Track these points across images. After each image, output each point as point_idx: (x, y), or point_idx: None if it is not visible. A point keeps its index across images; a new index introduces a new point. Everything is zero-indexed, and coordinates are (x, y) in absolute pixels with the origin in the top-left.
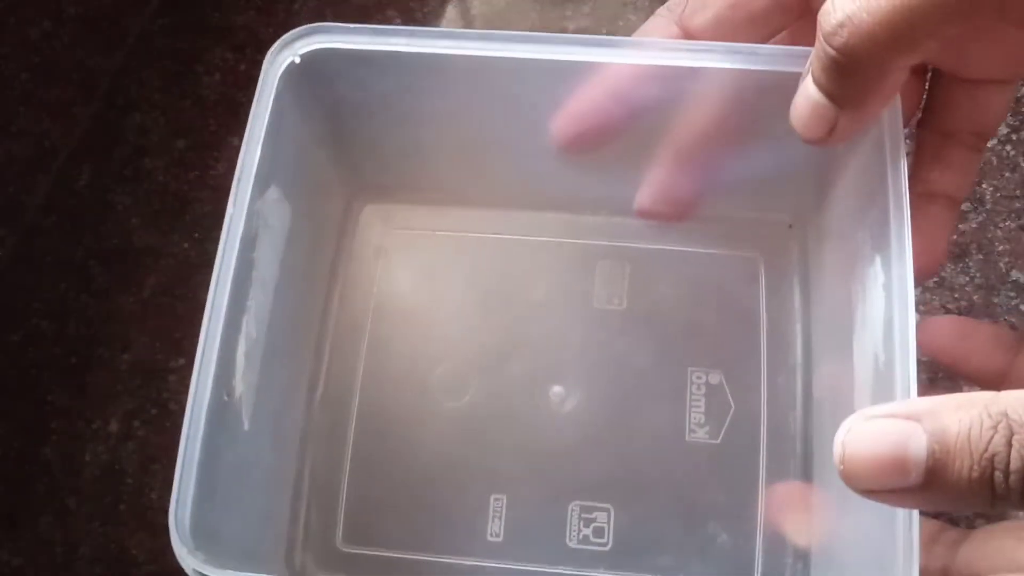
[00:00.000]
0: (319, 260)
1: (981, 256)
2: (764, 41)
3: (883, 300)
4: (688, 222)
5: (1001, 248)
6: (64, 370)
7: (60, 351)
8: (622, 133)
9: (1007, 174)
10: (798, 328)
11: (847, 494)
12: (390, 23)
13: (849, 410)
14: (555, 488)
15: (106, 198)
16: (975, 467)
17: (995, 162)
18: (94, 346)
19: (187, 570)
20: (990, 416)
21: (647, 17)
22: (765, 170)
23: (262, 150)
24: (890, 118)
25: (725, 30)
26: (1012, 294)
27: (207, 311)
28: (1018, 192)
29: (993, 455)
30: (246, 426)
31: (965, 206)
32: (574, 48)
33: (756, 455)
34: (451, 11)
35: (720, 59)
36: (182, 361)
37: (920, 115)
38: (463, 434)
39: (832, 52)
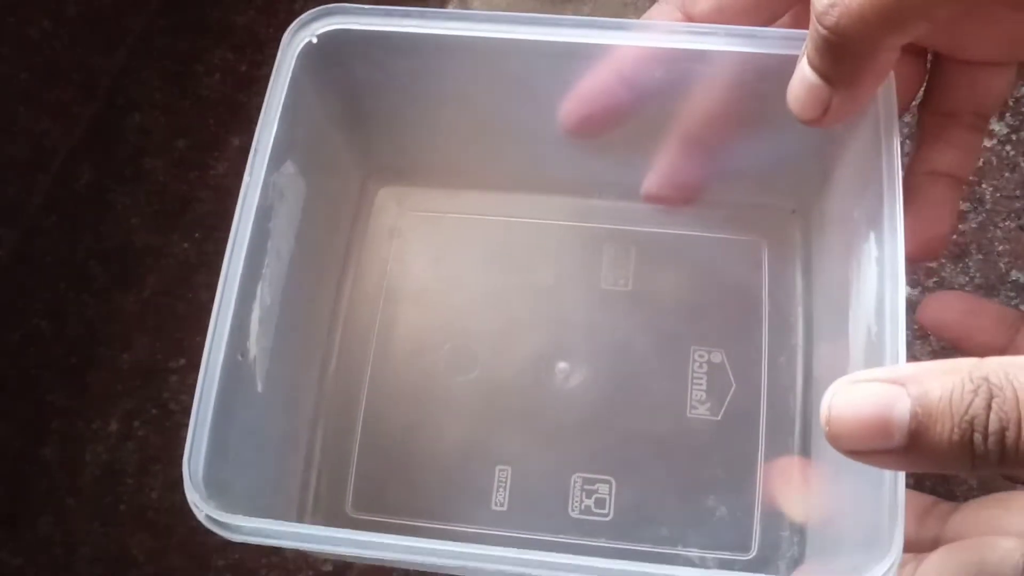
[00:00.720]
0: (334, 237)
1: (981, 256)
2: (765, 26)
3: (876, 274)
4: (693, 207)
5: (1001, 248)
6: (64, 370)
7: (60, 351)
8: (628, 116)
9: (1007, 174)
10: (799, 310)
11: (841, 468)
12: None
13: None
14: (559, 460)
15: (106, 198)
16: (955, 429)
17: (995, 162)
18: (94, 346)
19: (200, 517)
20: (971, 380)
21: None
22: (768, 156)
23: (279, 125)
24: (885, 101)
25: (727, 16)
26: (1012, 294)
27: (223, 272)
28: (1018, 192)
29: (973, 417)
30: (259, 388)
31: (965, 206)
32: (583, 31)
33: (755, 432)
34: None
35: (722, 42)
36: (182, 361)
37: (921, 97)
38: (470, 407)
39: (824, 32)
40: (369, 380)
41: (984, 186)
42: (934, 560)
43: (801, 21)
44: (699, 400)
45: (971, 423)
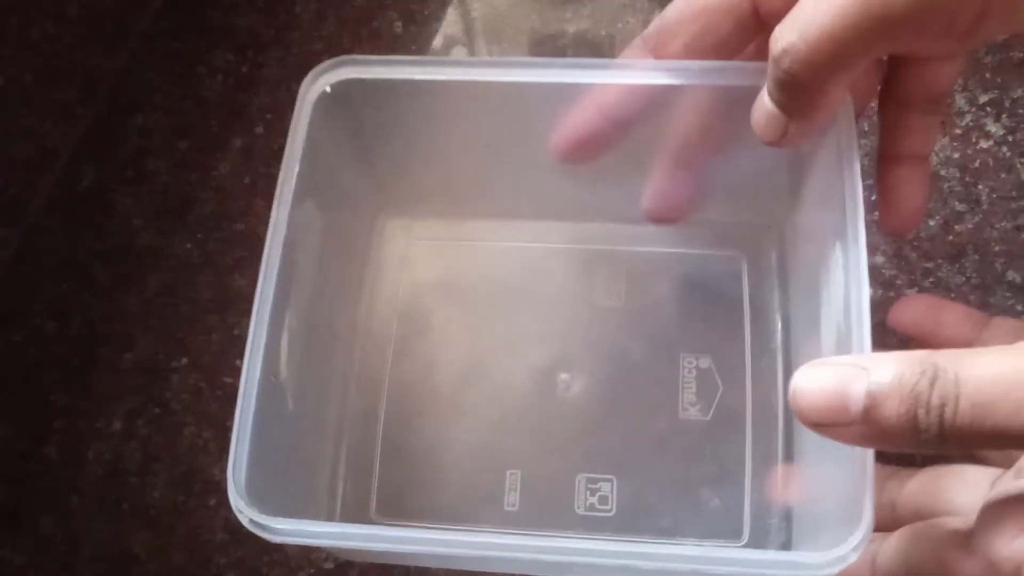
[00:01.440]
0: (350, 265)
1: (977, 257)
2: (731, 58)
3: (842, 279)
4: (677, 226)
5: (997, 249)
6: (67, 370)
7: (62, 351)
8: (611, 144)
9: (1003, 175)
10: (778, 316)
11: (821, 457)
12: (391, 25)
13: None
14: (564, 462)
15: (108, 198)
16: (902, 404)
17: (991, 163)
18: (96, 346)
19: (244, 521)
20: (921, 364)
21: (646, 19)
22: (743, 176)
23: (299, 167)
24: (844, 121)
25: (695, 56)
26: (1008, 294)
27: (255, 302)
28: (1014, 193)
29: (918, 394)
30: (290, 406)
31: (961, 207)
32: (568, 71)
33: (743, 429)
34: (451, 12)
35: (693, 77)
36: (184, 361)
37: (879, 90)
38: (481, 417)
39: (779, 73)
40: (387, 395)
41: (980, 187)
42: (892, 542)
43: (764, 51)
44: (690, 402)
45: (915, 399)
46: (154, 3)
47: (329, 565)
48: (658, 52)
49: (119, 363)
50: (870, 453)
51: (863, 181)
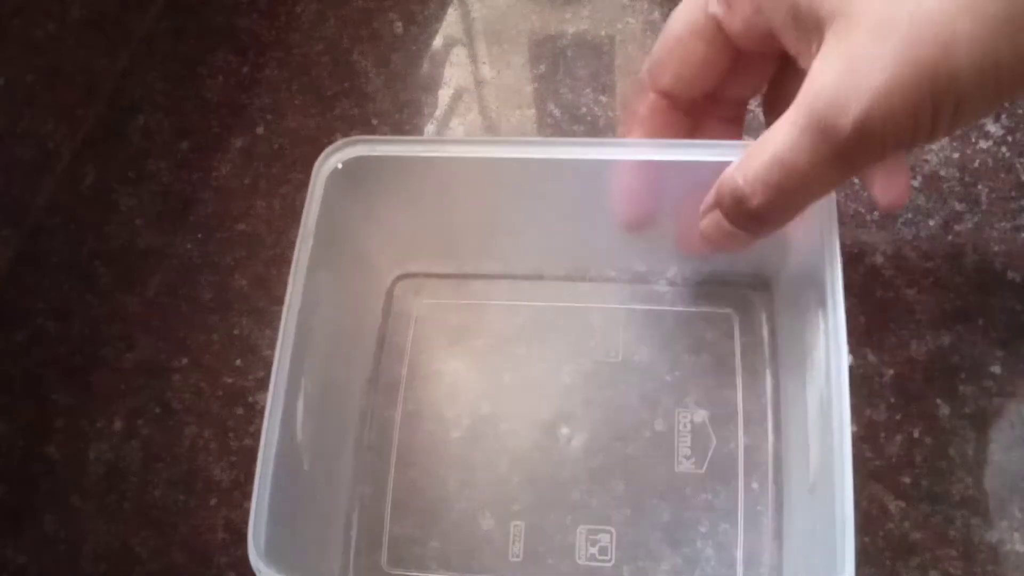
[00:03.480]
0: (363, 326)
1: (977, 256)
2: (721, 77)
3: (823, 344)
4: (672, 285)
5: (997, 249)
6: (68, 369)
7: (64, 350)
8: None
9: (1002, 175)
10: (767, 371)
11: (808, 503)
12: (391, 25)
13: (804, 432)
14: (565, 514)
15: (110, 199)
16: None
17: (991, 163)
18: (98, 345)
19: None
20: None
21: (646, 19)
22: None
23: (313, 241)
24: (827, 207)
25: (686, 83)
26: (1008, 295)
27: (273, 369)
28: (1013, 193)
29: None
30: (305, 467)
31: (960, 207)
32: (566, 148)
33: (735, 479)
34: (451, 13)
35: (675, 152)
36: (185, 360)
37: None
38: (486, 470)
39: (743, 212)
40: (397, 452)
41: (980, 187)
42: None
43: (744, 70)
44: (685, 455)
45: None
46: (155, 4)
47: None
48: (655, 87)
49: (120, 363)
50: (849, 511)
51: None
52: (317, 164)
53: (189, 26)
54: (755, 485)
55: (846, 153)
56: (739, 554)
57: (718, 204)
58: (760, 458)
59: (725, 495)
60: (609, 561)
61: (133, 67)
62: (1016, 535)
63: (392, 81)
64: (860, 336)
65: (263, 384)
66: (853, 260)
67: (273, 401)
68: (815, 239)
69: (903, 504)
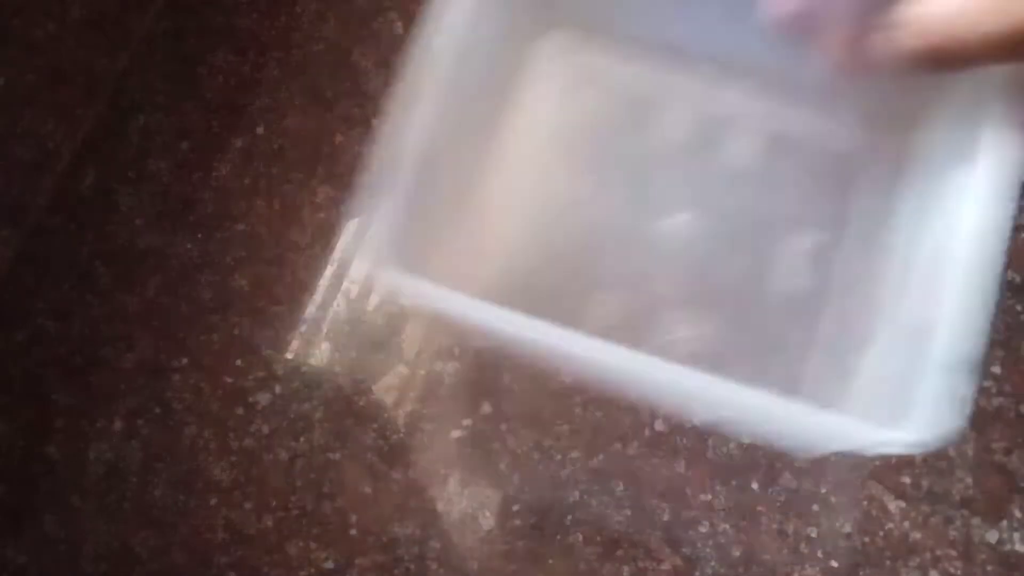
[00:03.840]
0: (503, 77)
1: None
2: None
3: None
4: (821, 103)
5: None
6: (68, 369)
7: (64, 350)
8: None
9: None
10: (888, 207)
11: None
12: (391, 25)
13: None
14: (653, 297)
15: (110, 199)
16: None
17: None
18: (98, 346)
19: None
20: None
21: None
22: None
23: None
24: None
25: None
26: (1008, 294)
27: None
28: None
29: None
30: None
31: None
32: None
33: (838, 301)
34: None
35: None
36: (185, 360)
37: None
38: (588, 236)
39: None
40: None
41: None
42: None
43: None
44: (791, 271)
45: None
46: (155, 4)
47: (329, 565)
48: None
49: (120, 363)
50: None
51: None
52: None
53: (189, 26)
54: (853, 309)
55: None
56: (816, 354)
57: (903, 25)
58: (864, 287)
59: (827, 314)
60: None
61: (133, 67)
62: (1016, 535)
63: (392, 81)
64: None
65: (263, 384)
66: None
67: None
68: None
69: (903, 504)
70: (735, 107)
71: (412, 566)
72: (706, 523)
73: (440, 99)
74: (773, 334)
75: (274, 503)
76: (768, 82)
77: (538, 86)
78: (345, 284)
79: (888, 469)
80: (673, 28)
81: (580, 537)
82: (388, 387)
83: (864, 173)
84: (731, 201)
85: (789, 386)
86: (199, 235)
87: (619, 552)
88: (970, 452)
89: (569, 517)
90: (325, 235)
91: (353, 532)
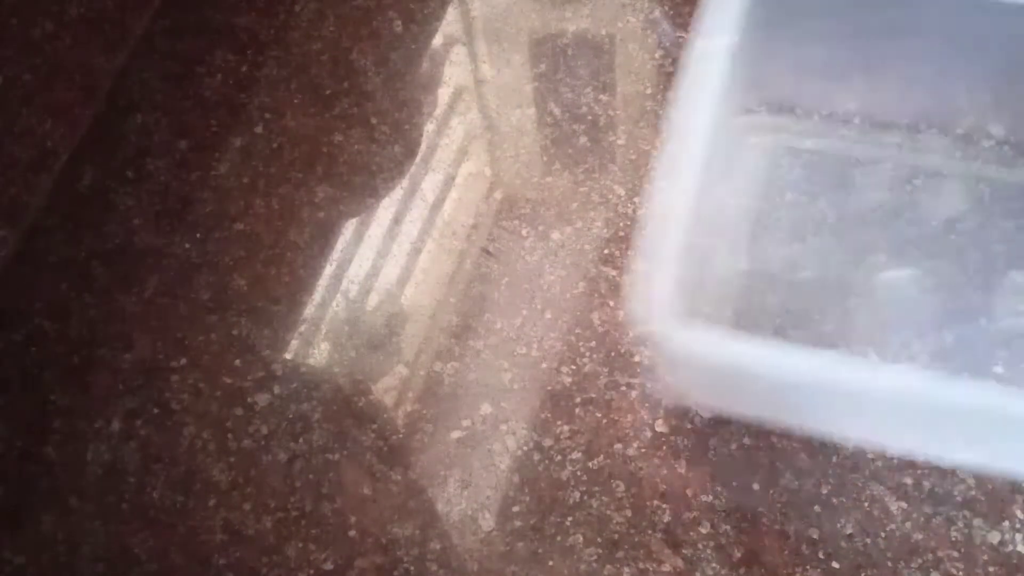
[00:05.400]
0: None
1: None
2: None
3: None
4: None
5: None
6: (66, 369)
7: (62, 351)
8: None
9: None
10: None
11: None
12: (391, 24)
13: None
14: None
15: (108, 198)
16: None
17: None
18: (96, 346)
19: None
20: None
21: (646, 18)
22: None
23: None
24: None
25: None
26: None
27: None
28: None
29: None
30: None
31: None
32: None
33: None
34: (451, 12)
35: None
36: (183, 361)
37: None
38: (810, 299)
39: None
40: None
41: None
42: None
43: None
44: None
45: None
46: (153, 3)
47: (328, 566)
48: None
49: (118, 363)
50: None
51: None
52: None
53: (187, 25)
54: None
55: None
56: None
57: None
58: None
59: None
60: None
61: (131, 66)
62: (1018, 536)
63: (391, 80)
64: None
65: (262, 384)
66: None
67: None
68: None
69: (905, 505)
70: (933, 161)
71: (412, 567)
72: (707, 524)
73: (695, 172)
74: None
75: (273, 504)
76: (958, 137)
77: (746, 157)
78: (344, 284)
79: (890, 470)
80: (863, 99)
81: (580, 538)
82: (388, 387)
83: None
84: (945, 248)
85: None
86: (197, 235)
87: (619, 553)
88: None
89: (569, 518)
90: (324, 234)
91: (352, 533)
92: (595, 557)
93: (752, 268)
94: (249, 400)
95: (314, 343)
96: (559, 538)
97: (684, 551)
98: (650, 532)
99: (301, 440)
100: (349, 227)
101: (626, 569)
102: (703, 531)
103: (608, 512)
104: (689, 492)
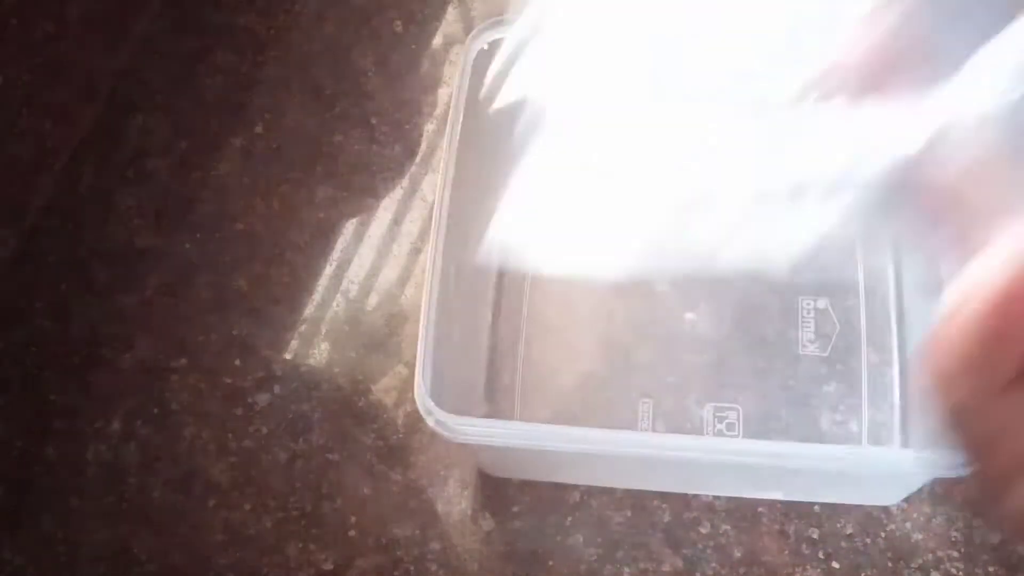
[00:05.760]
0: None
1: None
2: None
3: None
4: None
5: None
6: (66, 369)
7: (62, 351)
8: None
9: None
10: (890, 264)
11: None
12: (391, 24)
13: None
14: (693, 393)
15: (108, 198)
16: None
17: None
18: (96, 346)
19: (430, 423)
20: None
21: None
22: None
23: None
24: None
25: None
26: None
27: (430, 253)
28: None
29: None
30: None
31: None
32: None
33: (859, 363)
34: (451, 12)
35: None
36: (184, 361)
37: None
38: (617, 351)
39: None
40: (525, 325)
41: None
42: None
43: None
44: (809, 340)
45: None
46: (154, 3)
47: (328, 566)
48: None
49: (119, 363)
50: None
51: None
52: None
53: (187, 25)
54: (879, 367)
55: None
56: (864, 428)
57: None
58: (885, 343)
59: (849, 376)
60: (736, 436)
61: (131, 66)
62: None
63: (391, 80)
64: None
65: (262, 384)
66: None
67: (431, 277)
68: None
69: (904, 505)
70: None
71: (412, 567)
72: (707, 524)
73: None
74: (814, 402)
75: (273, 504)
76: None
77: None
78: (344, 284)
79: None
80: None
81: (580, 538)
82: (388, 387)
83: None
84: (738, 288)
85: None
86: (198, 235)
87: (619, 553)
88: None
89: (569, 518)
90: (324, 234)
91: (352, 533)
92: (595, 557)
93: None
94: (249, 400)
95: (314, 343)
96: (559, 538)
97: (684, 551)
98: (650, 532)
99: (301, 440)
100: (349, 227)
101: (626, 569)
102: (703, 531)
103: (608, 512)
104: (689, 492)
